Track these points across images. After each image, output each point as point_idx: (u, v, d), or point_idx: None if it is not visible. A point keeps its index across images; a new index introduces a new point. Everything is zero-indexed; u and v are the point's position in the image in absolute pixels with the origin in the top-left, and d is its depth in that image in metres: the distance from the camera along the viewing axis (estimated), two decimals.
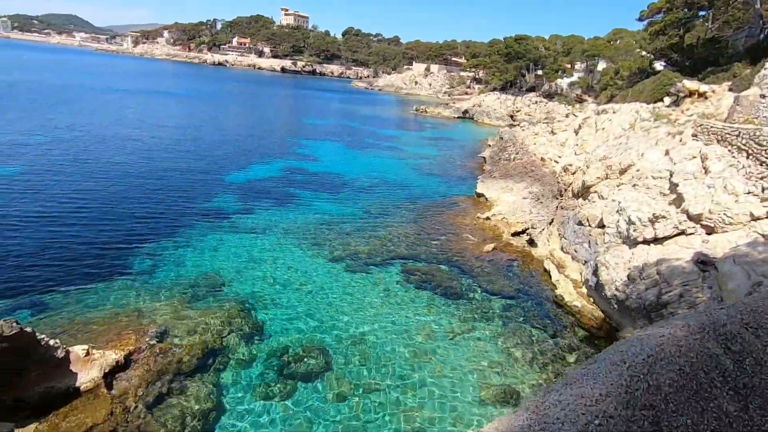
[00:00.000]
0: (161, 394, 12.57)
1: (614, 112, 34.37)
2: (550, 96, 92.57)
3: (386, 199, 34.31)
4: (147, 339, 14.28)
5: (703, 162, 19.62)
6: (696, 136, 22.09)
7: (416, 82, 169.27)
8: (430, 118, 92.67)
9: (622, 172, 24.10)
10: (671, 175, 20.18)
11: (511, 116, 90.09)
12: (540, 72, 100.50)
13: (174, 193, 30.78)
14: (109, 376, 12.05)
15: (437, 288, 20.99)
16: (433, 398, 14.61)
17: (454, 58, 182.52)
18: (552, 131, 47.88)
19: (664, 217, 17.62)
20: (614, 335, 17.32)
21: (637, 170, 22.96)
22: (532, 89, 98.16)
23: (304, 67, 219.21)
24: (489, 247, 24.38)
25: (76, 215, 24.96)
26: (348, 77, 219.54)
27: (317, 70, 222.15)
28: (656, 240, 17.69)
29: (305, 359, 15.83)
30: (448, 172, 44.52)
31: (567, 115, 67.64)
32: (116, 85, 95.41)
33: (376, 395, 14.59)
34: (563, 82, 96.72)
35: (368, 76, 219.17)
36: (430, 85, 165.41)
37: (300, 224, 27.70)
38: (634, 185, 22.31)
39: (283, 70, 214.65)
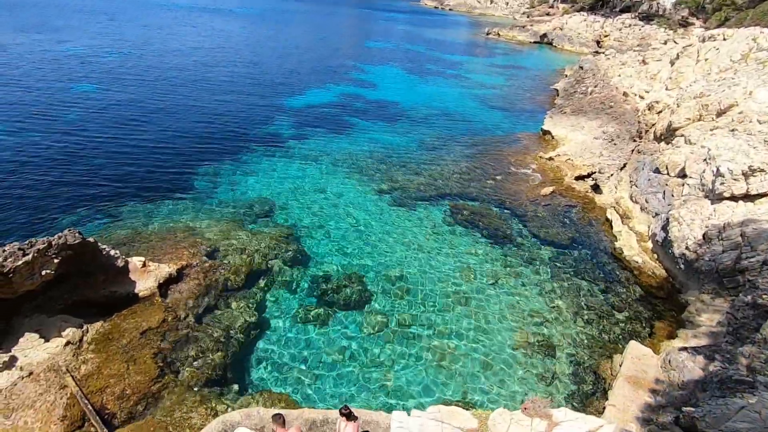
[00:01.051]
0: (209, 307, 13.63)
1: (724, 39, 28.75)
2: (648, 18, 79.56)
3: (443, 131, 32.62)
4: (199, 255, 15.29)
5: None
6: None
7: (492, 1, 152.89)
8: (503, 42, 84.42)
9: (721, 113, 20.52)
10: None
11: (598, 42, 79.54)
12: None
13: (232, 116, 31.35)
14: (164, 286, 13.16)
15: (485, 230, 20.18)
16: (467, 339, 14.56)
17: None
18: (643, 61, 41.59)
19: (762, 170, 14.99)
20: (675, 297, 15.89)
21: (740, 112, 19.41)
22: (627, 9, 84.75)
23: None
24: (547, 190, 22.69)
25: (139, 136, 26.36)
26: None
27: None
28: (747, 197, 15.27)
29: (345, 289, 16.27)
30: (515, 105, 41.05)
31: (665, 42, 58.29)
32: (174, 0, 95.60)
33: (409, 330, 14.81)
34: (666, 2, 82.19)
35: None
36: (507, 4, 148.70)
37: (352, 154, 27.35)
38: (732, 130, 19.03)
39: None
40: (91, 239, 11.51)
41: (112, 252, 12.14)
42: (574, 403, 12.41)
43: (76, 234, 10.91)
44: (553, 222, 20.84)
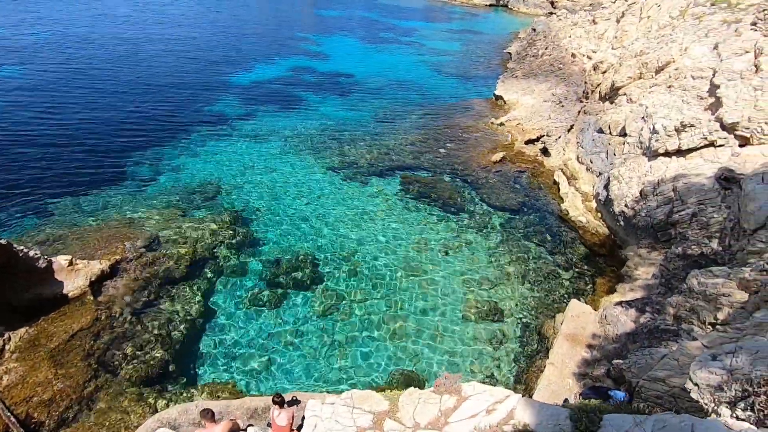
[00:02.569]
0: (149, 301, 13.08)
1: None
2: None
3: (397, 102, 32.02)
4: (136, 248, 14.56)
5: (756, 57, 16.54)
6: (756, 24, 18.42)
7: None
8: (459, 6, 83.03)
9: (659, 70, 20.93)
10: (714, 75, 17.29)
11: (552, 3, 79.22)
12: None
13: (172, 97, 29.53)
14: (96, 284, 12.47)
15: (437, 200, 20.18)
16: (419, 311, 14.70)
17: None
18: (593, 20, 41.75)
19: (692, 125, 15.45)
20: (616, 253, 16.52)
21: (676, 68, 19.83)
22: None
23: None
24: (498, 156, 22.81)
25: (69, 122, 24.46)
26: None
27: None
28: (679, 152, 15.78)
29: (296, 270, 15.98)
30: (469, 72, 40.71)
31: (615, 1, 58.82)
32: None
33: (361, 307, 14.79)
34: None
35: None
36: None
37: (302, 130, 26.49)
38: (669, 87, 19.48)
39: None
40: (2, 241, 10.63)
41: (31, 253, 11.31)
42: (520, 364, 12.87)
43: None
44: (503, 188, 21.06)
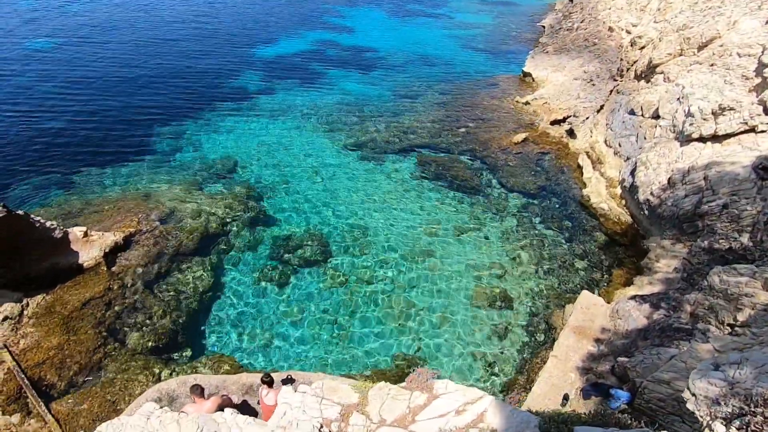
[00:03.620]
0: (160, 273, 13.47)
1: None
2: None
3: (420, 78, 31.07)
4: (151, 221, 14.93)
5: None
6: None
7: None
8: None
9: (702, 47, 19.24)
10: (763, 52, 15.73)
11: None
12: None
13: (195, 72, 29.65)
14: (110, 255, 12.90)
15: (453, 182, 19.65)
16: (427, 294, 14.56)
17: None
18: None
19: (732, 108, 14.21)
20: (638, 243, 15.68)
21: (721, 45, 18.16)
22: None
23: None
24: (520, 137, 21.88)
25: (94, 97, 25.02)
26: None
27: None
28: (715, 137, 14.60)
29: (306, 247, 16.07)
30: (498, 46, 38.88)
31: None
32: None
33: (369, 288, 14.76)
34: None
35: None
36: None
37: (322, 107, 26.19)
38: (711, 65, 17.91)
39: None
40: (20, 212, 11.07)
41: (48, 224, 11.75)
42: (524, 354, 12.59)
43: (1, 208, 10.44)
44: (523, 171, 20.25)
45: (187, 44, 34.44)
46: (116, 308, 11.79)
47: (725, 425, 4.89)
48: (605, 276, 14.93)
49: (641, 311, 11.17)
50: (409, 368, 12.21)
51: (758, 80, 15.27)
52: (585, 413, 4.90)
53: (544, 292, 14.51)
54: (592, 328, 11.50)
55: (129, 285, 12.51)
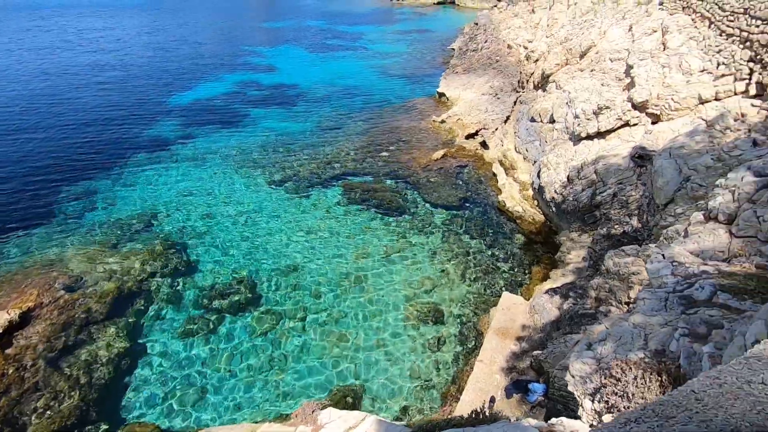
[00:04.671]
0: (66, 347, 12.41)
1: None
2: None
3: (342, 109, 31.80)
4: (53, 291, 13.81)
5: (663, 35, 17.05)
6: (662, 3, 19.01)
7: None
8: (407, 6, 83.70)
9: (582, 55, 21.40)
10: (628, 55, 17.74)
11: None
12: None
13: (109, 123, 28.51)
14: (5, 335, 11.71)
15: (379, 205, 20.01)
16: (359, 322, 14.47)
17: None
18: (532, 9, 42.67)
19: (608, 107, 15.78)
20: (551, 239, 16.68)
21: (597, 52, 20.31)
22: None
23: None
24: (439, 154, 22.85)
25: None
26: None
27: None
28: (599, 134, 16.09)
29: (234, 293, 15.52)
30: (414, 71, 40.87)
31: None
32: None
33: (302, 324, 14.45)
34: None
35: None
36: None
37: (245, 147, 25.94)
38: (591, 70, 19.90)
39: None
40: None
41: None
42: (458, 364, 12.79)
43: None
44: (445, 185, 21.07)
45: (97, 99, 33.08)
46: (13, 394, 10.65)
47: (591, 401, 5.22)
48: (526, 274, 15.68)
49: (553, 303, 11.80)
50: (346, 399, 12.03)
51: (628, 80, 17.15)
52: (465, 415, 5.04)
53: (472, 299, 14.93)
54: (514, 327, 11.95)
55: (29, 366, 11.39)
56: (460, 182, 21.37)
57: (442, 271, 16.27)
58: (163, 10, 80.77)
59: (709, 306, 5.15)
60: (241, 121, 29.97)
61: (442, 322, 14.24)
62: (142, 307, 14.60)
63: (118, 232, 18.17)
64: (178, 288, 15.64)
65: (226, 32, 61.14)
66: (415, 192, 20.89)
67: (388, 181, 21.77)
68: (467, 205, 19.79)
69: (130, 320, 13.96)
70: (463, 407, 9.77)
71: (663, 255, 7.09)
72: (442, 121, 26.19)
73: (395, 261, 17.00)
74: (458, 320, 14.22)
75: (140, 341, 13.55)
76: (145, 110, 31.05)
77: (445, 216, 19.19)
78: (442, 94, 30.86)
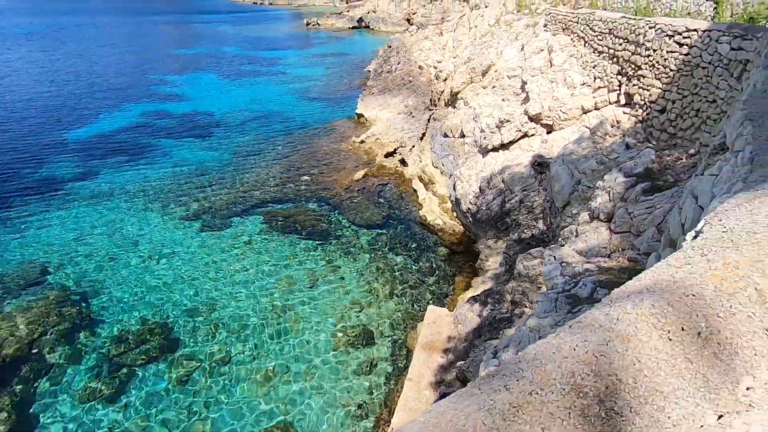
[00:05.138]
0: None
1: (486, 6, 32.41)
2: None
3: (260, 135, 31.05)
4: None
5: (549, 54, 18.79)
6: (546, 25, 21.06)
7: None
8: (323, 31, 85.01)
9: (484, 73, 22.95)
10: (522, 72, 19.29)
11: (408, 20, 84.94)
12: None
13: None
14: None
15: (301, 232, 19.56)
16: (287, 356, 13.81)
17: None
18: (440, 33, 45.27)
19: (508, 120, 16.94)
20: (472, 248, 17.33)
21: (496, 71, 21.88)
22: None
23: None
24: (360, 174, 23.01)
25: None
26: None
27: None
28: (503, 146, 17.17)
29: (143, 342, 14.12)
30: (333, 94, 41.30)
31: (463, 15, 64.62)
32: None
33: (223, 367, 13.47)
34: None
35: None
36: None
37: (154, 182, 24.21)
38: (493, 87, 21.35)
39: None
40: None
41: None
42: (390, 385, 12.62)
43: None
44: (368, 205, 21.18)
45: None
46: None
47: None
48: (451, 285, 16.06)
49: (474, 311, 12.14)
50: None
51: (523, 95, 18.58)
52: None
53: (401, 317, 14.94)
54: (440, 340, 12.08)
55: None
56: (383, 200, 21.62)
57: (370, 291, 16.15)
58: (59, 39, 74.48)
59: (590, 303, 5.52)
60: (150, 154, 28.08)
61: (373, 343, 14.05)
62: (30, 374, 12.74)
63: (1, 290, 15.87)
64: (76, 346, 13.92)
65: (134, 61, 57.64)
66: (339, 214, 20.75)
67: (311, 206, 21.43)
68: (391, 222, 20.02)
69: (15, 390, 12.09)
70: (394, 429, 9.57)
71: (554, 257, 7.57)
72: (362, 142, 26.52)
73: (322, 287, 16.59)
74: (388, 340, 14.11)
75: (30, 412, 11.77)
76: (37, 150, 28.01)
77: (370, 236, 19.21)
78: (360, 115, 31.37)
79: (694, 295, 1.96)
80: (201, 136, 31.13)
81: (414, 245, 18.50)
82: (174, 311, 15.53)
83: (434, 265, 17.22)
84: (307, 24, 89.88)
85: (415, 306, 15.31)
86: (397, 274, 16.97)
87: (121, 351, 13.84)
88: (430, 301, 15.30)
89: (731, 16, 12.29)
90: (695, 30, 10.73)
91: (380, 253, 18.18)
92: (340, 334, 14.41)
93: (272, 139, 30.24)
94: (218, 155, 27.87)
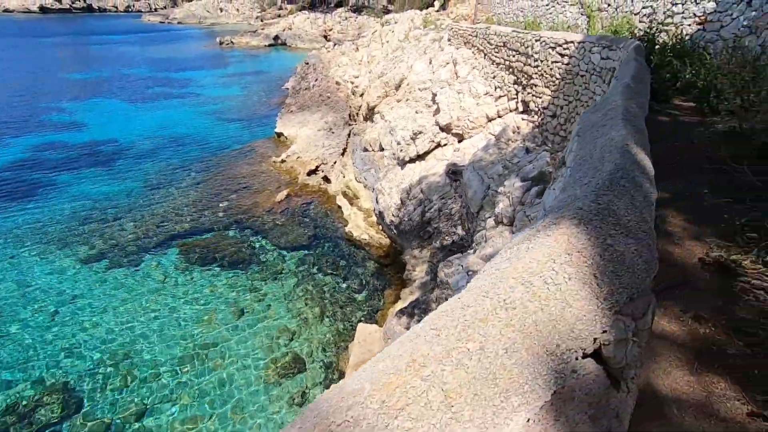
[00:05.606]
0: None
1: (395, 23, 33.48)
2: (358, 10, 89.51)
3: (172, 162, 29.10)
4: None
5: (454, 67, 19.71)
6: (450, 40, 22.14)
7: (221, 9, 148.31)
8: (238, 49, 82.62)
9: (398, 87, 23.53)
10: (432, 85, 20.01)
11: (325, 36, 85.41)
12: None
13: None
14: None
15: (223, 261, 18.48)
16: (212, 398, 12.82)
17: None
18: (357, 48, 45.91)
19: (422, 132, 17.42)
20: (400, 259, 17.45)
21: (408, 84, 22.52)
22: (340, 4, 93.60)
23: (73, 2, 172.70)
24: (282, 194, 22.35)
25: None
26: (138, 11, 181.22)
27: (94, 5, 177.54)
28: (419, 157, 17.59)
29: (41, 407, 12.36)
30: (251, 114, 40.08)
31: (375, 31, 66.19)
32: None
33: (140, 422, 12.17)
34: None
35: (165, 7, 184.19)
36: (238, 10, 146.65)
37: (49, 223, 21.60)
38: (407, 100, 21.91)
39: (43, 9, 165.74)
40: None
41: None
42: None
43: None
44: (292, 226, 20.60)
45: None
46: None
47: None
48: (380, 300, 16.00)
49: (402, 324, 12.13)
50: None
51: (435, 107, 19.24)
52: None
53: (332, 339, 14.56)
54: (371, 358, 11.86)
55: None
56: (308, 219, 21.15)
57: (299, 316, 15.59)
58: None
59: None
60: (43, 192, 25.12)
61: (304, 370, 13.51)
62: None
63: None
64: None
65: (21, 88, 51.62)
66: (263, 238, 19.93)
67: (232, 233, 20.37)
68: (317, 241, 19.60)
69: None
70: None
71: (462, 265, 7.74)
72: (282, 161, 25.89)
73: (247, 319, 15.72)
74: (320, 364, 13.66)
75: None
76: None
77: (296, 258, 18.64)
78: (280, 134, 30.69)
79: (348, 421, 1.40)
80: (104, 168, 28.51)
81: (342, 262, 18.24)
82: (78, 366, 13.82)
83: (364, 281, 17.08)
84: (221, 43, 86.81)
85: (347, 325, 15.02)
86: (326, 294, 16.58)
87: (11, 422, 11.98)
88: (362, 318, 15.11)
89: (602, 29, 13.71)
90: (572, 42, 11.77)
91: (308, 274, 17.68)
92: (269, 367, 13.68)
93: (187, 166, 28.48)
94: (125, 187, 25.64)
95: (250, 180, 25.13)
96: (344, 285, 16.97)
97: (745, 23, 9.64)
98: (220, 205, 22.62)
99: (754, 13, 9.48)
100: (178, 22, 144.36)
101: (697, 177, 5.28)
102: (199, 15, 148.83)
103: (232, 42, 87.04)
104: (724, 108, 5.98)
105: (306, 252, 18.96)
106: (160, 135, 34.78)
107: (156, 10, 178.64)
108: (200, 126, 37.17)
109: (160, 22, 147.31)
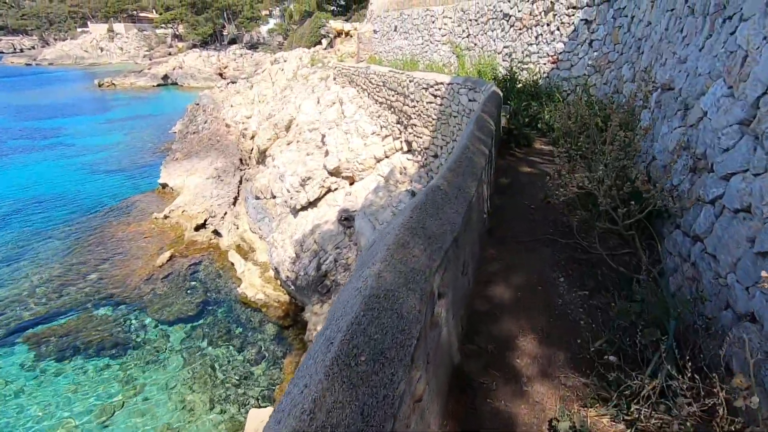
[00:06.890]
0: None
1: (284, 61, 32.68)
2: (254, 47, 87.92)
3: (27, 230, 24.57)
4: None
5: (341, 106, 19.17)
6: (335, 79, 21.75)
7: (101, 49, 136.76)
8: (121, 91, 75.88)
9: (287, 128, 22.42)
10: (320, 125, 19.21)
11: (221, 74, 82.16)
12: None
13: None
14: None
15: (88, 349, 15.37)
16: None
17: (142, 14, 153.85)
18: (252, 86, 44.12)
19: (311, 177, 16.39)
20: (300, 318, 15.91)
21: (297, 125, 21.53)
22: (233, 41, 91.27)
23: None
24: (165, 257, 19.67)
25: None
26: None
27: None
28: (311, 204, 16.49)
29: None
30: (133, 163, 36.10)
31: (264, 70, 64.90)
32: None
33: None
34: (263, 30, 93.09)
35: (32, 48, 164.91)
36: (122, 49, 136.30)
37: None
38: (297, 142, 20.83)
39: None
40: None
41: None
42: None
43: None
44: (177, 294, 18.02)
45: None
46: None
47: None
48: (281, 370, 14.25)
49: None
50: None
51: (325, 148, 18.38)
52: None
53: (224, 426, 12.46)
54: None
55: None
56: (196, 283, 18.72)
57: (184, 407, 13.21)
58: None
59: None
60: None
61: None
62: None
63: None
64: None
65: None
66: (141, 313, 17.10)
67: (101, 311, 17.22)
68: (208, 309, 17.30)
69: None
70: None
71: None
72: (166, 217, 23.09)
73: (120, 417, 12.95)
74: None
75: None
76: None
77: (182, 333, 16.15)
78: (164, 185, 27.71)
79: None
80: None
81: (238, 330, 16.17)
82: None
83: (262, 348, 15.19)
84: (100, 85, 79.14)
85: (242, 410, 12.99)
86: (218, 373, 14.38)
87: None
88: (259, 397, 13.22)
89: (471, 66, 13.99)
90: (442, 83, 11.67)
91: (196, 351, 15.32)
92: None
93: (49, 231, 24.22)
94: None
95: (126, 243, 21.89)
96: (239, 357, 14.93)
97: (590, 63, 10.16)
98: (88, 278, 19.20)
99: (596, 53, 10.03)
100: (50, 64, 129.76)
101: (552, 252, 4.78)
102: (74, 55, 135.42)
103: (113, 83, 79.77)
104: (573, 153, 5.73)
105: (193, 324, 16.56)
106: (13, 197, 29.50)
107: (22, 50, 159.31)
108: (70, 181, 32.37)
109: (26, 64, 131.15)
